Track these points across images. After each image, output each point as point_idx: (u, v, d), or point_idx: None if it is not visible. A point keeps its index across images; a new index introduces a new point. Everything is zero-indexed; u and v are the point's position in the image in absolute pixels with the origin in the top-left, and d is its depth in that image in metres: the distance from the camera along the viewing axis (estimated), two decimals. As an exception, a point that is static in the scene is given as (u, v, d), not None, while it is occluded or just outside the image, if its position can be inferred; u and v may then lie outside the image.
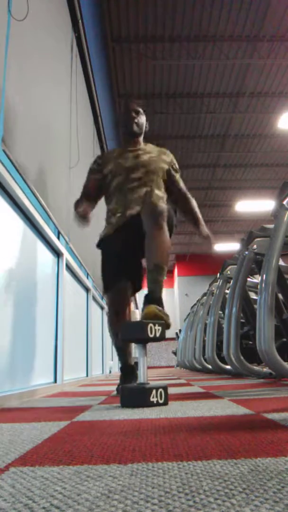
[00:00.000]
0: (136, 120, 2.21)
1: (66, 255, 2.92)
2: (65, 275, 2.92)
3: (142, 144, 2.26)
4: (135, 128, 2.21)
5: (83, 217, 2.09)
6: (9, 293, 1.85)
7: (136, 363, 1.64)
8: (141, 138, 2.27)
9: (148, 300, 1.65)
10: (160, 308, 1.59)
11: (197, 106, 8.96)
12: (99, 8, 6.38)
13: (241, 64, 7.83)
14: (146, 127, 2.28)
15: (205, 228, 2.33)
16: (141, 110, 2.24)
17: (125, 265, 2.07)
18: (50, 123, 2.77)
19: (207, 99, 8.80)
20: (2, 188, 1.78)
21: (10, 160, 1.84)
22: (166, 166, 2.22)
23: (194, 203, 2.35)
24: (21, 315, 2.02)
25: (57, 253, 2.79)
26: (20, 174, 1.98)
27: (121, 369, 2.10)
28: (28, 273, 2.17)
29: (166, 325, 1.55)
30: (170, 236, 1.88)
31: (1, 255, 1.77)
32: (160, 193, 2.11)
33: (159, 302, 1.64)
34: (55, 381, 2.58)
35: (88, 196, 2.23)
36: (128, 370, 2.07)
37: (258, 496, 0.44)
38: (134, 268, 2.13)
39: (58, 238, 2.78)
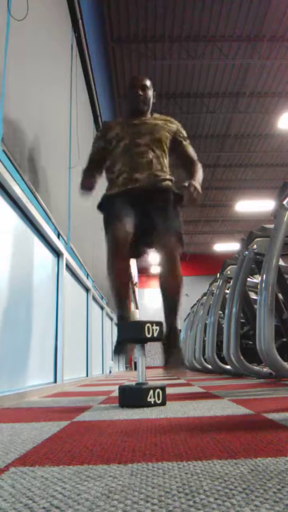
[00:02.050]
0: (142, 97, 2.21)
1: (66, 255, 2.92)
2: (65, 275, 2.92)
3: (149, 116, 2.28)
4: (142, 105, 2.22)
5: (88, 188, 2.14)
6: (9, 293, 1.85)
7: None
8: (148, 112, 2.28)
9: (170, 343, 1.82)
10: (181, 360, 1.80)
11: (197, 106, 8.97)
12: (99, 8, 6.38)
13: (241, 64, 7.83)
14: (153, 99, 2.28)
15: (196, 182, 2.13)
16: (147, 84, 2.24)
17: (131, 213, 2.00)
18: (50, 123, 2.77)
19: (207, 99, 8.81)
20: (2, 188, 1.78)
21: (10, 160, 1.84)
22: (170, 135, 2.21)
23: (200, 170, 2.28)
24: (21, 315, 2.01)
25: (57, 253, 2.79)
26: (20, 174, 1.98)
27: (119, 318, 1.96)
28: (28, 273, 2.17)
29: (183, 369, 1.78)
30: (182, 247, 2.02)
31: (1, 255, 1.77)
32: (165, 162, 2.14)
33: (179, 339, 1.84)
34: (55, 381, 2.58)
35: (94, 165, 2.25)
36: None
37: (258, 496, 0.44)
38: (139, 221, 2.03)
39: (58, 238, 2.78)
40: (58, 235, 2.81)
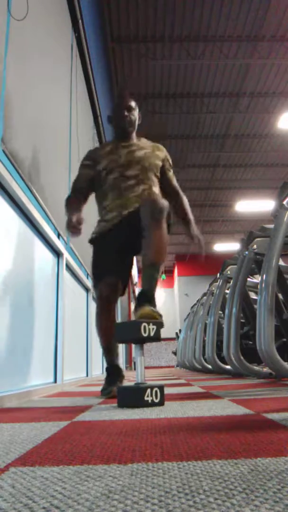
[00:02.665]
0: (128, 118, 2.15)
1: (66, 255, 2.92)
2: (65, 275, 2.92)
3: (135, 139, 2.21)
4: (127, 126, 2.16)
5: (76, 227, 1.97)
6: (9, 293, 1.85)
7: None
8: (134, 133, 2.22)
9: (141, 299, 1.62)
10: (154, 308, 1.58)
11: (197, 106, 8.97)
12: (99, 8, 6.38)
13: (241, 64, 7.83)
14: (139, 120, 2.23)
15: (195, 229, 2.26)
16: (133, 105, 2.18)
17: (118, 261, 2.03)
18: (50, 123, 2.77)
19: (207, 99, 8.81)
20: (2, 188, 1.78)
21: (10, 160, 1.84)
22: (160, 163, 2.17)
23: (185, 201, 2.29)
24: (21, 315, 2.02)
25: (57, 253, 2.79)
26: (20, 174, 1.98)
27: (107, 369, 2.03)
28: (28, 273, 2.17)
29: (160, 325, 1.54)
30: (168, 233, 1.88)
31: (1, 255, 1.77)
32: (156, 190, 2.09)
33: (152, 301, 1.62)
34: (55, 381, 2.58)
35: (80, 193, 2.18)
36: (114, 370, 2.01)
37: (258, 496, 0.44)
38: (126, 266, 2.11)
39: (58, 238, 2.78)
40: (58, 235, 2.81)
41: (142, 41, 7.27)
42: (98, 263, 2.10)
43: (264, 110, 9.12)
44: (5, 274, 1.81)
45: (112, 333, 1.98)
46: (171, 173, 2.25)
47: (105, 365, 2.11)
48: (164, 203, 1.82)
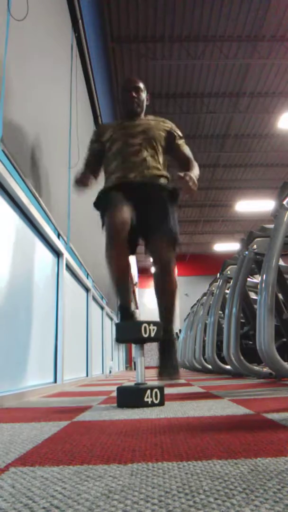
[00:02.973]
0: (136, 100, 2.20)
1: (66, 255, 2.92)
2: (65, 275, 2.92)
3: (142, 117, 2.27)
4: (135, 107, 2.21)
5: (82, 183, 2.11)
6: (9, 293, 1.85)
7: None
8: (142, 114, 2.27)
9: (164, 349, 1.87)
10: (176, 370, 1.84)
11: (197, 106, 8.97)
12: (99, 8, 6.38)
13: (241, 64, 7.83)
14: (147, 101, 2.27)
15: (190, 173, 2.03)
16: (141, 85, 2.22)
17: (127, 206, 1.96)
18: (50, 123, 2.77)
19: (207, 99, 8.81)
20: (2, 188, 1.78)
21: (10, 160, 1.84)
22: (164, 133, 2.21)
23: (196, 167, 2.20)
24: (21, 315, 2.01)
25: (57, 253, 2.79)
26: (19, 174, 1.98)
27: (120, 307, 1.94)
28: (28, 273, 2.17)
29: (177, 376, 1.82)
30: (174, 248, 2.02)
31: (1, 255, 1.77)
32: (160, 159, 2.15)
33: (175, 346, 1.88)
34: (55, 381, 2.58)
35: (89, 168, 2.24)
36: (127, 312, 1.93)
37: (258, 496, 0.44)
38: (136, 215, 2.01)
39: (58, 238, 2.78)
40: (58, 235, 2.81)
41: (142, 41, 7.27)
42: (106, 204, 2.00)
43: (264, 110, 9.12)
44: (5, 274, 1.81)
45: (124, 270, 1.92)
46: (181, 142, 2.27)
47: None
48: (172, 257, 1.97)
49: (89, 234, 4.14)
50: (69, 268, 3.18)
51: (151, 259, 2.04)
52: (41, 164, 2.40)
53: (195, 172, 2.14)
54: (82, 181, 2.12)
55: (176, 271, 2.05)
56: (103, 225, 2.01)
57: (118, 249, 1.86)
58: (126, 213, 1.90)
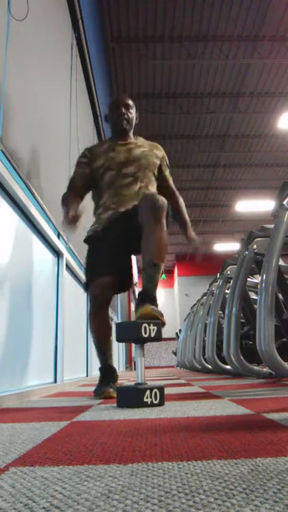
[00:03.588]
0: (126, 116, 2.14)
1: (66, 255, 2.92)
2: (65, 275, 2.92)
3: (132, 138, 2.20)
4: (125, 124, 2.14)
5: (74, 220, 1.93)
6: (9, 293, 1.85)
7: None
8: (131, 132, 2.20)
9: (142, 299, 1.60)
10: (155, 307, 1.55)
11: (197, 106, 8.96)
12: (99, 8, 6.38)
13: (241, 64, 7.83)
14: (136, 119, 2.21)
15: (191, 231, 2.23)
16: (130, 103, 2.17)
17: (113, 261, 1.98)
18: (50, 123, 2.77)
19: (207, 99, 8.80)
20: (2, 188, 1.78)
21: (9, 161, 1.84)
22: (158, 161, 2.16)
23: (181, 201, 2.27)
24: (21, 315, 2.01)
25: (57, 253, 2.79)
26: (19, 174, 1.98)
27: (100, 369, 2.01)
28: (28, 273, 2.17)
29: (162, 324, 1.53)
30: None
31: (0, 255, 1.77)
32: (153, 189, 2.08)
33: (154, 301, 1.60)
34: (55, 381, 2.58)
35: (76, 191, 2.13)
36: (107, 370, 1.98)
37: (258, 496, 0.44)
38: (123, 264, 2.04)
39: (58, 238, 2.78)
40: (58, 235, 2.81)
41: (142, 41, 7.26)
42: (92, 263, 2.07)
43: (264, 110, 9.11)
44: (5, 274, 1.81)
45: (105, 333, 1.99)
46: (167, 173, 2.24)
47: None
48: (164, 200, 1.79)
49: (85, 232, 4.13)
50: (69, 268, 3.18)
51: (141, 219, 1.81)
52: (41, 164, 2.40)
53: (186, 215, 2.26)
54: (71, 223, 1.93)
55: (166, 233, 1.76)
56: (86, 281, 2.07)
57: (99, 318, 1.98)
58: (109, 279, 1.96)
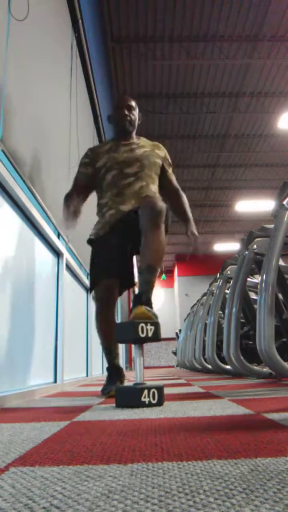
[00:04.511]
0: (128, 118, 2.15)
1: (66, 255, 2.92)
2: (65, 275, 2.92)
3: (135, 138, 2.21)
4: (128, 126, 2.16)
5: (74, 215, 2.04)
6: (9, 293, 1.85)
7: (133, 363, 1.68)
8: (134, 133, 2.22)
9: (137, 301, 1.62)
10: (149, 308, 1.57)
11: (197, 106, 8.96)
12: (99, 8, 6.38)
13: (241, 64, 7.83)
14: (139, 119, 2.23)
15: (193, 227, 2.24)
16: (133, 104, 2.19)
17: (116, 262, 2.02)
18: (50, 123, 2.77)
19: (207, 99, 8.80)
20: (2, 188, 1.78)
21: (10, 160, 1.85)
22: (160, 161, 2.18)
23: (185, 199, 2.29)
24: (21, 315, 2.01)
25: (57, 253, 2.79)
26: (19, 174, 1.98)
27: (107, 369, 2.06)
28: (28, 273, 2.17)
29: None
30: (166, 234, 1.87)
31: (1, 255, 1.77)
32: (154, 188, 2.10)
33: (148, 303, 1.61)
34: (55, 381, 2.58)
35: (79, 190, 2.17)
36: (114, 370, 2.02)
37: (258, 496, 0.44)
38: (125, 265, 2.09)
39: (58, 238, 2.78)
40: (58, 235, 2.81)
41: (142, 41, 7.26)
42: (96, 264, 2.09)
43: (264, 110, 9.11)
44: (5, 274, 1.81)
45: (111, 334, 1.98)
46: (170, 172, 2.25)
47: (105, 365, 2.12)
48: (163, 205, 1.82)
49: (89, 234, 4.13)
50: (69, 268, 3.18)
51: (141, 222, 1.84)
52: (41, 164, 2.40)
53: (189, 212, 2.26)
54: (74, 213, 2.06)
55: (164, 234, 1.81)
56: (91, 283, 2.09)
57: (104, 320, 2.01)
58: (113, 281, 2.00)
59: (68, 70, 3.46)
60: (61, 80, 3.17)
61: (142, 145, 2.19)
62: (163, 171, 2.21)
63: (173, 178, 2.27)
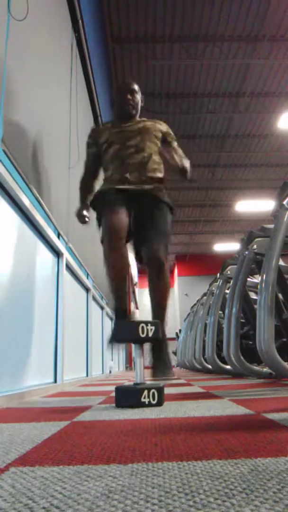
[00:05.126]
0: (131, 102, 2.24)
1: (66, 255, 2.92)
2: (65, 275, 2.92)
3: (137, 119, 2.31)
4: (130, 109, 2.24)
5: (84, 215, 2.24)
6: (9, 293, 1.85)
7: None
8: (137, 116, 2.31)
9: (156, 347, 1.82)
10: (169, 369, 1.79)
11: (197, 106, 8.97)
12: (99, 8, 6.38)
13: (241, 64, 7.83)
14: (142, 102, 2.31)
15: (186, 167, 2.25)
16: (136, 88, 2.27)
17: (122, 204, 2.04)
18: (50, 123, 2.77)
19: (207, 99, 8.81)
20: (2, 188, 1.78)
21: (10, 161, 1.84)
22: (160, 134, 2.25)
23: (187, 162, 2.30)
24: (21, 315, 2.01)
25: (57, 253, 2.79)
26: (20, 174, 1.98)
27: (116, 309, 1.95)
28: (28, 273, 2.17)
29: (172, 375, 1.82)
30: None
31: (1, 255, 1.77)
32: (157, 158, 2.18)
33: (165, 340, 1.83)
34: (55, 381, 2.58)
35: (90, 172, 2.34)
36: (123, 316, 1.93)
37: (258, 496, 0.44)
38: (131, 221, 2.08)
39: (58, 238, 2.78)
40: (58, 235, 2.81)
41: (142, 41, 7.27)
42: (103, 205, 2.07)
43: (264, 110, 9.12)
44: (5, 274, 1.81)
45: (122, 271, 1.91)
46: (174, 144, 2.31)
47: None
48: (167, 258, 1.99)
49: (89, 234, 4.14)
50: (69, 268, 3.18)
51: (144, 261, 2.05)
52: (42, 164, 2.40)
53: (188, 166, 2.30)
54: (84, 216, 2.31)
55: (169, 270, 2.06)
56: (99, 225, 2.09)
57: (116, 252, 1.90)
58: (123, 215, 1.99)
59: (68, 70, 3.46)
60: (61, 80, 3.17)
61: (143, 120, 2.28)
62: (166, 143, 2.27)
63: (179, 150, 2.31)
